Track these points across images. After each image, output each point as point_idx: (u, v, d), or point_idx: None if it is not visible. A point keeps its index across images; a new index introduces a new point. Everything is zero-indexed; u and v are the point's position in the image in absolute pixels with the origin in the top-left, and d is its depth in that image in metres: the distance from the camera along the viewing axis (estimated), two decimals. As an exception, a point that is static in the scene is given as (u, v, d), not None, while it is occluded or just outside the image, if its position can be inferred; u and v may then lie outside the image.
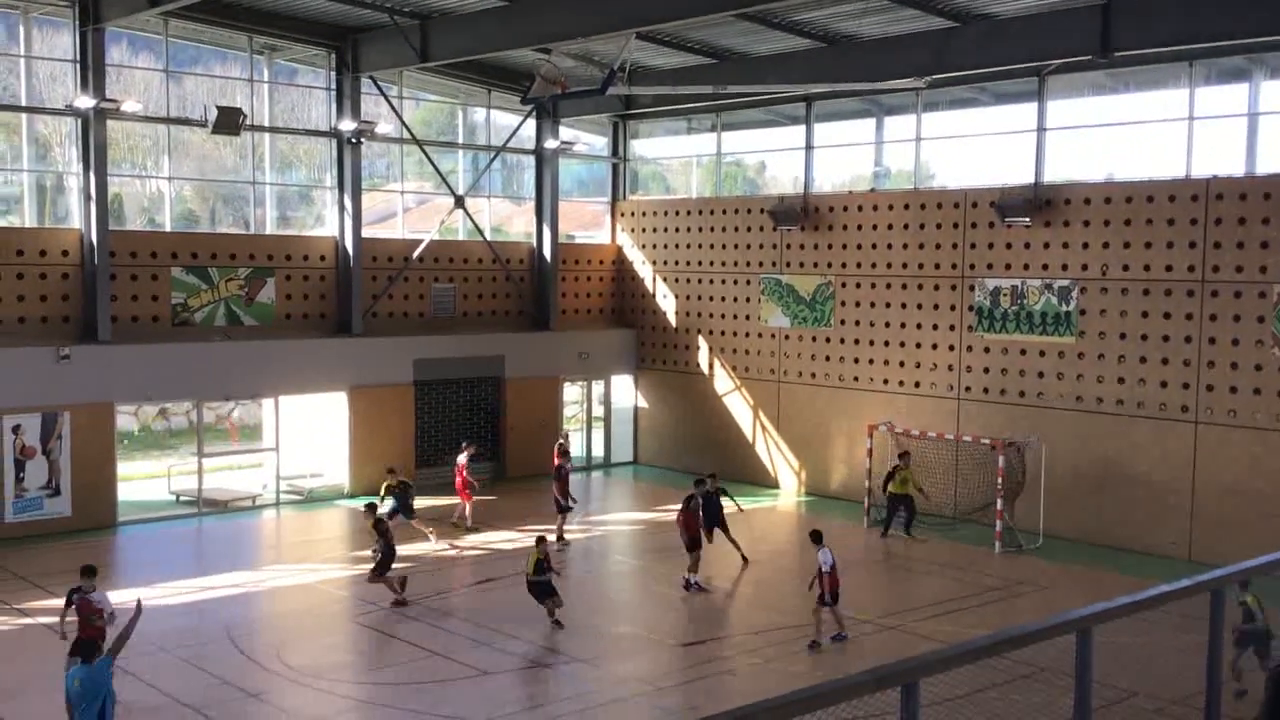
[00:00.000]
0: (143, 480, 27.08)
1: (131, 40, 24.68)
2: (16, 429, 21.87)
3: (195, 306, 24.76)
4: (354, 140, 26.33)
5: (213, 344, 24.57)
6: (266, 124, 25.87)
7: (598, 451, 30.96)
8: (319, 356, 25.91)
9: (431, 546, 21.40)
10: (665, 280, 30.40)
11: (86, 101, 22.64)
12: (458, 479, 23.28)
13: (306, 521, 24.58)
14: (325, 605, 18.54)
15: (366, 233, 27.13)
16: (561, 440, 24.73)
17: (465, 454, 23.45)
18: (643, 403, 31.05)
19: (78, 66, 22.91)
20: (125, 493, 24.01)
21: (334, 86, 26.44)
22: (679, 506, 19.74)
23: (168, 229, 25.21)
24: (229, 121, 23.67)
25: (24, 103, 23.03)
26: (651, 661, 15.38)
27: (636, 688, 14.37)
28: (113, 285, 23.45)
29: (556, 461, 22.72)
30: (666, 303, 30.37)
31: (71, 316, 23.24)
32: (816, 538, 16.81)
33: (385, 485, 21.63)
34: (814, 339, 27.26)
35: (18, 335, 22.51)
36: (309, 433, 26.25)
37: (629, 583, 20.35)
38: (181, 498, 25.40)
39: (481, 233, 29.21)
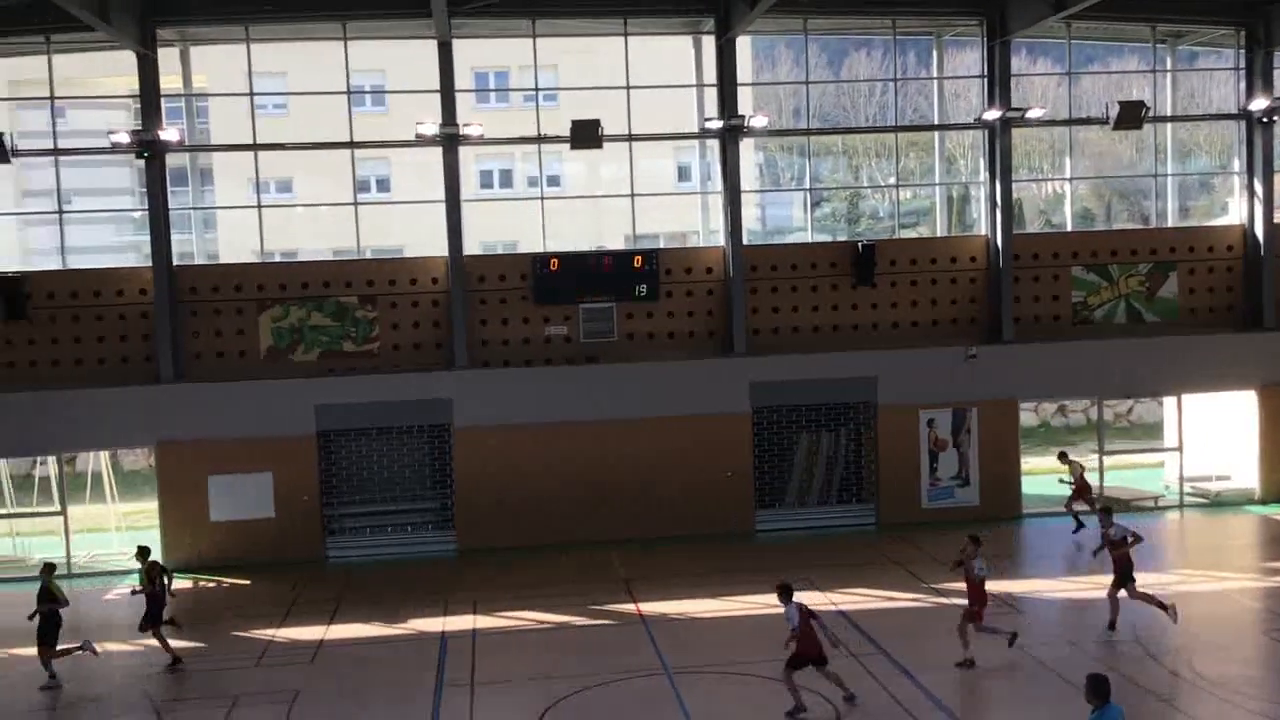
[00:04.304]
0: (1043, 475, 27.82)
1: (1029, 48, 25.58)
2: (930, 423, 23.91)
3: (1095, 304, 24.94)
4: (1266, 119, 24.47)
5: (1112, 341, 24.50)
6: (1167, 113, 25.11)
7: None
8: (1224, 352, 24.51)
9: None
10: None
11: (993, 113, 23.91)
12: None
13: (1212, 526, 23.41)
14: (1237, 615, 17.50)
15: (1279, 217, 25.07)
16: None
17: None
18: None
19: (984, 81, 24.30)
20: (1027, 486, 24.90)
21: (1242, 65, 24.84)
22: None
23: (1067, 229, 25.67)
24: (1132, 116, 23.40)
25: (935, 121, 25.03)
26: None
27: None
28: (1015, 287, 24.50)
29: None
30: None
31: (977, 318, 24.73)
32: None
33: None
34: None
35: (932, 337, 24.52)
36: (1214, 433, 24.93)
37: None
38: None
39: None
